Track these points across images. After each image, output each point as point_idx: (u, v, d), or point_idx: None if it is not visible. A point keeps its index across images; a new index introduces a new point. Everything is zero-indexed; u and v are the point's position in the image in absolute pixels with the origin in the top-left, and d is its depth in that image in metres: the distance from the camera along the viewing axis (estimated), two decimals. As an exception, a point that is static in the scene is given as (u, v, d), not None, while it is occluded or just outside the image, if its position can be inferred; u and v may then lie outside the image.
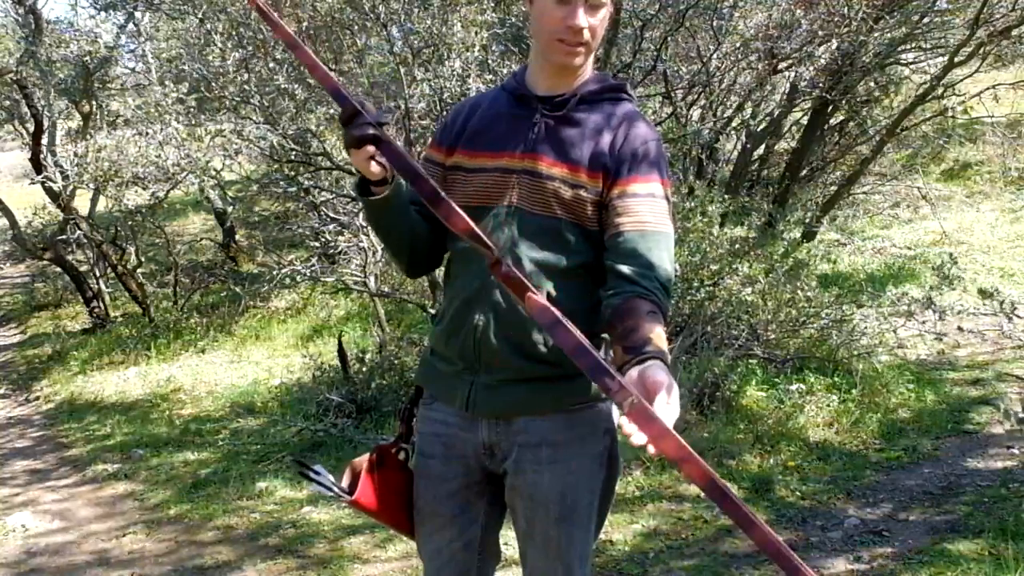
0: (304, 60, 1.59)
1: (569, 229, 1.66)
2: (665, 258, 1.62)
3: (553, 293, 1.62)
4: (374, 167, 1.58)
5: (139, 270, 9.38)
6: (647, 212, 1.64)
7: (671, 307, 5.25)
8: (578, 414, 1.72)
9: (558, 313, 1.41)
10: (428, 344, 1.88)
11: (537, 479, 1.72)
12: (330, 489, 1.72)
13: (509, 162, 1.70)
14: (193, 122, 6.98)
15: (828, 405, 4.82)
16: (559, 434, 1.71)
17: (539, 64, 1.73)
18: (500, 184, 1.70)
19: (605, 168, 1.66)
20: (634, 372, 1.40)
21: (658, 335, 1.48)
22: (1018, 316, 6.16)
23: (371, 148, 1.55)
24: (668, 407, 1.33)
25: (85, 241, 9.06)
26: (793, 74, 7.40)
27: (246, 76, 5.52)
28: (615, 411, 1.77)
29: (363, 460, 1.79)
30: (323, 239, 7.36)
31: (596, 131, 1.69)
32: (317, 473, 1.72)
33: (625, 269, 1.60)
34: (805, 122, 8.56)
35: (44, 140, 9.02)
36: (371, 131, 1.53)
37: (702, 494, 3.95)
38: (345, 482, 1.77)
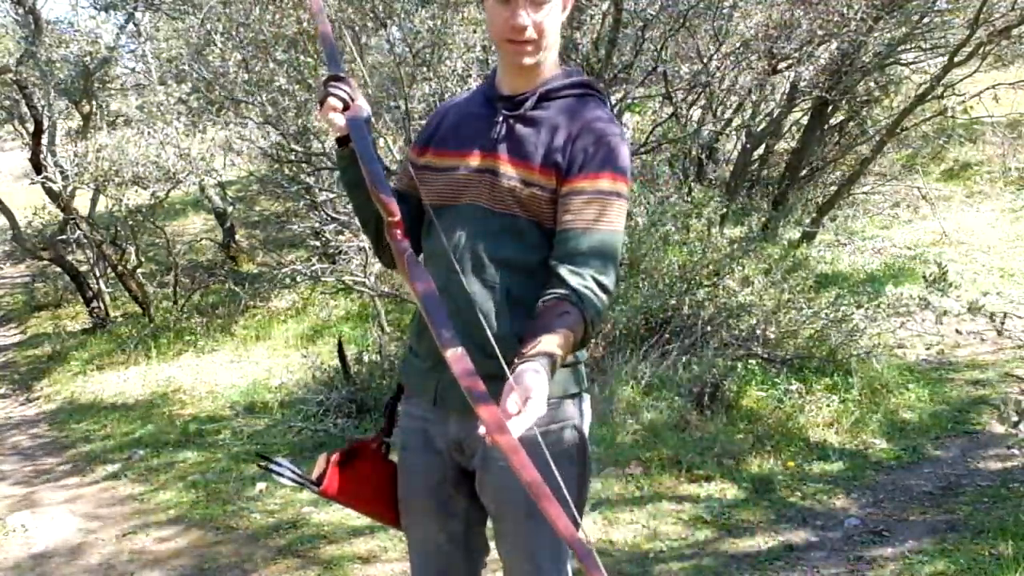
0: (321, 27, 1.82)
1: (527, 227, 1.70)
2: (606, 256, 1.65)
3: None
4: (336, 119, 1.72)
5: (139, 270, 9.36)
6: (593, 211, 1.66)
7: (671, 308, 5.28)
8: (546, 411, 1.73)
9: (429, 284, 1.54)
10: (407, 341, 1.93)
11: (504, 475, 1.72)
12: (293, 480, 1.77)
13: (473, 162, 1.74)
14: (194, 121, 6.99)
15: (828, 405, 4.82)
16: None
17: (502, 65, 1.78)
18: (464, 183, 1.74)
19: (557, 166, 1.68)
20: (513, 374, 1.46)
21: (552, 339, 1.51)
22: (1018, 316, 6.16)
23: (339, 104, 1.72)
24: (522, 412, 1.38)
25: (85, 241, 9.04)
26: (793, 74, 7.39)
27: (246, 76, 5.52)
28: (582, 406, 1.81)
29: (333, 453, 1.84)
30: (323, 238, 7.37)
31: (552, 128, 1.71)
32: (279, 465, 1.77)
33: (560, 269, 1.64)
34: (805, 122, 8.56)
35: (44, 140, 9.00)
36: (341, 94, 1.71)
37: (702, 494, 3.94)
38: (316, 474, 1.82)
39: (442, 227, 1.74)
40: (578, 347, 1.63)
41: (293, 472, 1.81)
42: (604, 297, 1.64)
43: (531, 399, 1.38)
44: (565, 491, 1.77)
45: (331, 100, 1.71)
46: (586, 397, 1.82)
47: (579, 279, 1.62)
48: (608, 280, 1.65)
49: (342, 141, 1.78)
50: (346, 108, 1.72)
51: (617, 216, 1.67)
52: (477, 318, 1.66)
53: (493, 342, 1.51)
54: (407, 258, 1.60)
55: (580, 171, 1.67)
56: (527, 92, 1.74)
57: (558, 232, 1.67)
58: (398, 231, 1.64)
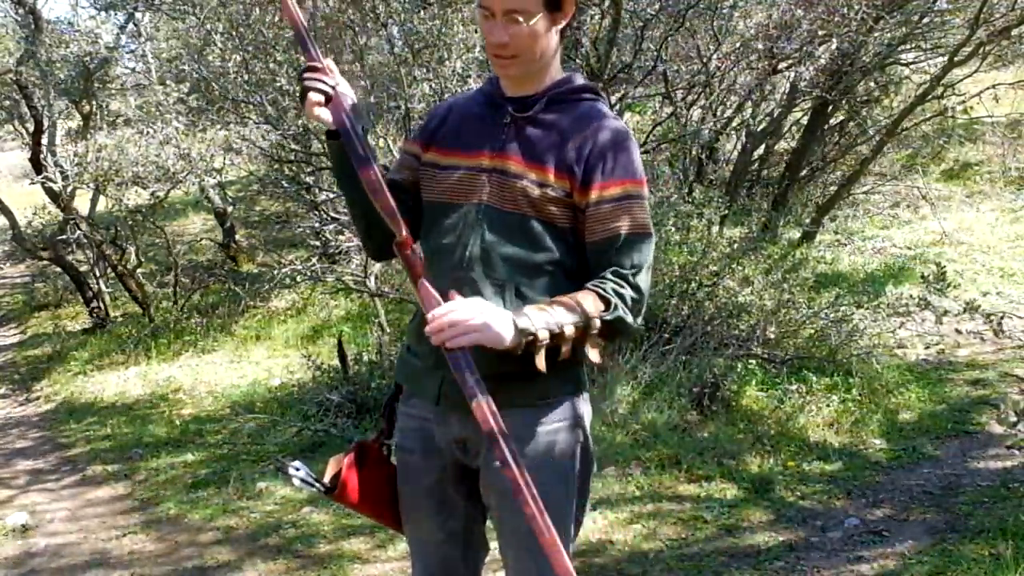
0: (287, 12, 1.68)
1: (538, 226, 1.70)
2: (638, 260, 1.68)
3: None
4: (323, 115, 1.64)
5: (139, 270, 9.36)
6: (621, 216, 1.67)
7: (671, 308, 5.28)
8: (547, 409, 1.74)
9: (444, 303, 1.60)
10: (404, 342, 1.92)
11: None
12: (310, 484, 1.76)
13: (481, 161, 1.74)
14: (194, 121, 6.99)
15: (828, 405, 4.82)
16: (527, 429, 1.73)
17: None
18: (472, 182, 1.74)
19: (571, 172, 1.69)
20: None
21: (552, 302, 1.62)
22: (1017, 316, 6.16)
23: (320, 98, 1.63)
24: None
25: (85, 241, 9.03)
26: (793, 74, 7.39)
27: (246, 76, 5.52)
28: (583, 405, 1.81)
29: (345, 456, 1.84)
30: (323, 238, 7.37)
31: (563, 133, 1.72)
32: (296, 469, 1.76)
33: (595, 279, 1.67)
34: (805, 122, 8.56)
35: (44, 140, 9.00)
36: (320, 87, 1.63)
37: (702, 494, 3.94)
38: (327, 477, 1.82)
39: (448, 225, 1.74)
40: (601, 333, 1.64)
41: (308, 475, 1.80)
42: (635, 295, 1.67)
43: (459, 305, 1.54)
44: (566, 493, 1.79)
45: (311, 96, 1.63)
46: (586, 396, 1.83)
47: (617, 279, 1.65)
48: (645, 284, 1.69)
49: (332, 135, 1.72)
50: (328, 100, 1.64)
51: (646, 215, 1.71)
52: None
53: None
54: (424, 291, 1.61)
55: (602, 179, 1.68)
56: (534, 94, 1.75)
57: (591, 242, 1.69)
58: (408, 251, 1.64)
